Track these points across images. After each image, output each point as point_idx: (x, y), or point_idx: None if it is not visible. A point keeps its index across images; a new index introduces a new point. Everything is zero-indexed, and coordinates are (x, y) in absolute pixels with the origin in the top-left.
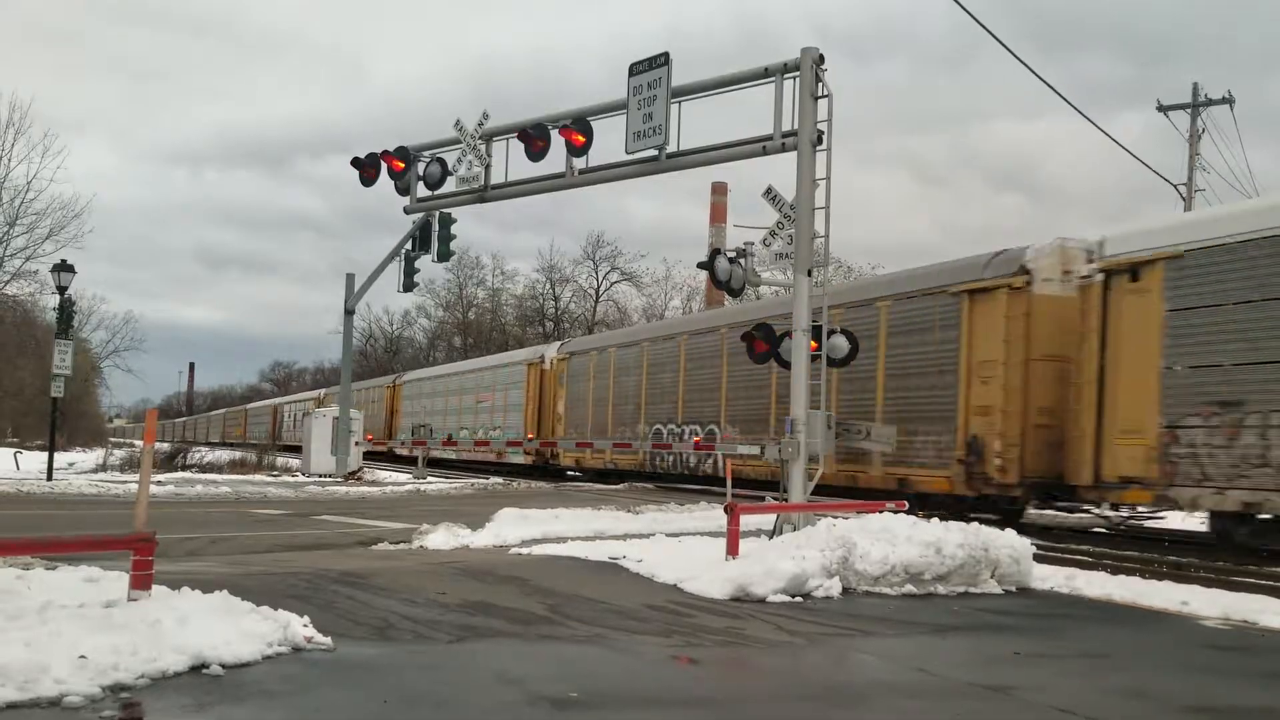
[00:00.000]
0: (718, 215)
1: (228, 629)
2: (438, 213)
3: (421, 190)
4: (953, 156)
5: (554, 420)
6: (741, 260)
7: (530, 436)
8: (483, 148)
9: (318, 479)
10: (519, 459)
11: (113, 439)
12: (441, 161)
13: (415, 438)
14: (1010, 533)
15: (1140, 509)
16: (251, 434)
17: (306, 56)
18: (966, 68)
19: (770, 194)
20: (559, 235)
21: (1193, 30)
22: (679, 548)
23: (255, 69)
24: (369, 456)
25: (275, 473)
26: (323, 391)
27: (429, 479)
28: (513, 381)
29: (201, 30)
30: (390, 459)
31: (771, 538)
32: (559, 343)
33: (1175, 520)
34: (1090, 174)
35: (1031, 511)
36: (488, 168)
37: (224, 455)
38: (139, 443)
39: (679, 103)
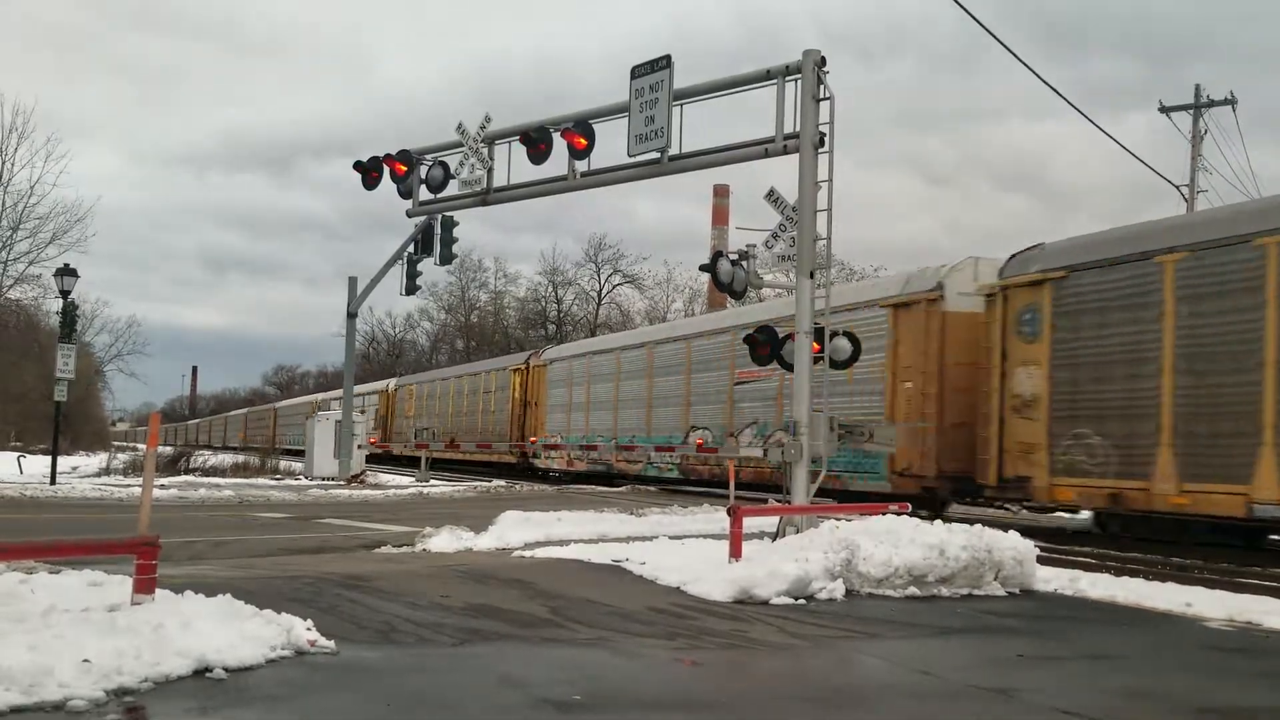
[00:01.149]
0: (720, 217)
1: (231, 632)
2: (440, 216)
3: (424, 193)
4: (959, 157)
5: (1002, 406)
6: (744, 262)
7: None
8: (485, 151)
9: (320, 482)
10: (872, 483)
11: (116, 443)
12: (444, 164)
13: (418, 440)
14: (1014, 534)
15: None
16: (283, 437)
17: (311, 59)
18: (973, 68)
19: (772, 196)
20: (561, 238)
21: (1200, 31)
22: (682, 550)
23: (259, 71)
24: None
25: (278, 476)
26: (392, 382)
27: (431, 482)
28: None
29: (206, 33)
30: (528, 474)
31: (774, 540)
32: (975, 259)
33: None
34: (1097, 174)
35: None
36: (490, 171)
37: (226, 459)
38: (142, 446)
39: (681, 105)
